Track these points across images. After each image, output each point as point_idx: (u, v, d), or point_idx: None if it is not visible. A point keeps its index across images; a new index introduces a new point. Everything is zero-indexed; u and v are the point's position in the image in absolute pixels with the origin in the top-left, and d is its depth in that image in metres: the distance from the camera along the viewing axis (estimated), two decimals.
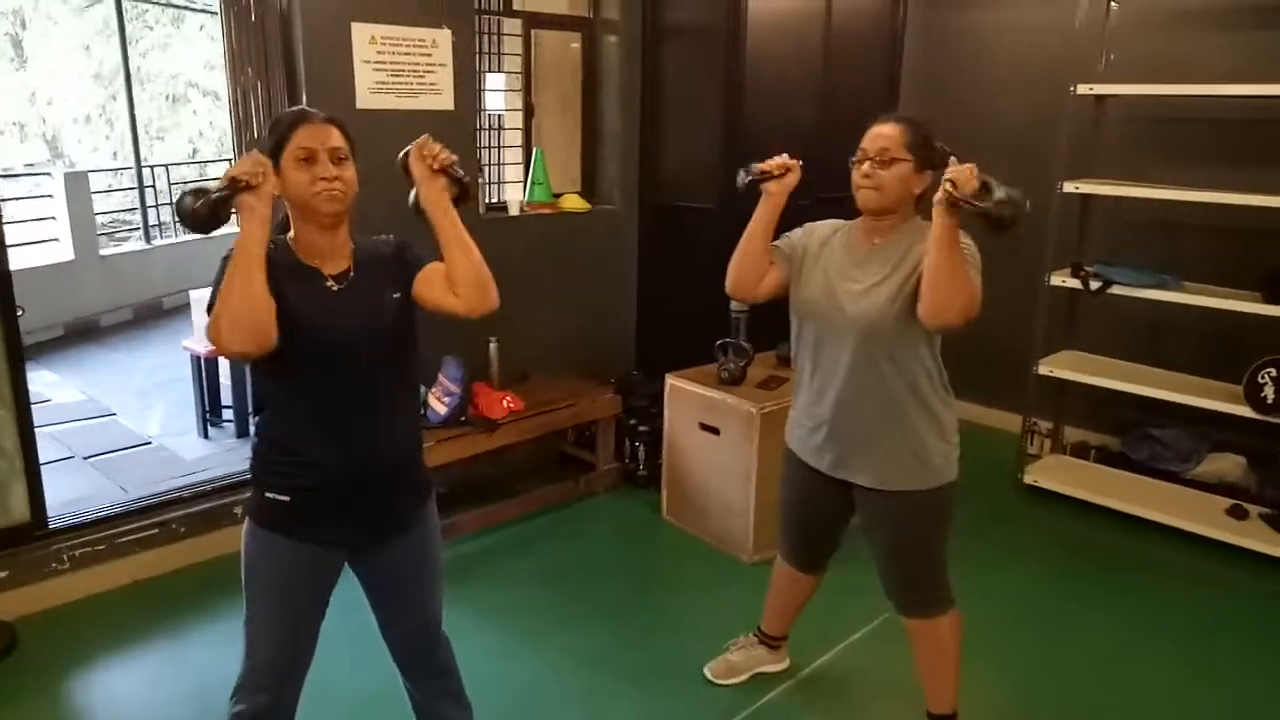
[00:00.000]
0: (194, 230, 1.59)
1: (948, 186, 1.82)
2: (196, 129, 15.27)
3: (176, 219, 1.62)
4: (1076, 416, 4.23)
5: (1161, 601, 3.12)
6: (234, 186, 1.56)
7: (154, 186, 8.41)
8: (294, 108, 1.76)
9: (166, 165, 9.26)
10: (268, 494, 1.75)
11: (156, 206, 8.49)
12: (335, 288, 1.73)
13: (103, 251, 7.22)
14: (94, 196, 7.55)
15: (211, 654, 2.73)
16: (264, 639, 1.80)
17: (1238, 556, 3.34)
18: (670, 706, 2.52)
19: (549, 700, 2.54)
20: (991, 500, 3.87)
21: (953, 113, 4.54)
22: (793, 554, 2.44)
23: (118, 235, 9.06)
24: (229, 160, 11.24)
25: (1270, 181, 3.31)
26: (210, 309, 1.61)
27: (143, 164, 8.21)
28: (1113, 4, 3.73)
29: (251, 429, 1.81)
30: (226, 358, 1.68)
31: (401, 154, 1.74)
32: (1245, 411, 3.30)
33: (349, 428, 1.73)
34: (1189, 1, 3.80)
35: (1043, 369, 3.81)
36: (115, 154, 13.98)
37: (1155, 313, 3.71)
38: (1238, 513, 3.51)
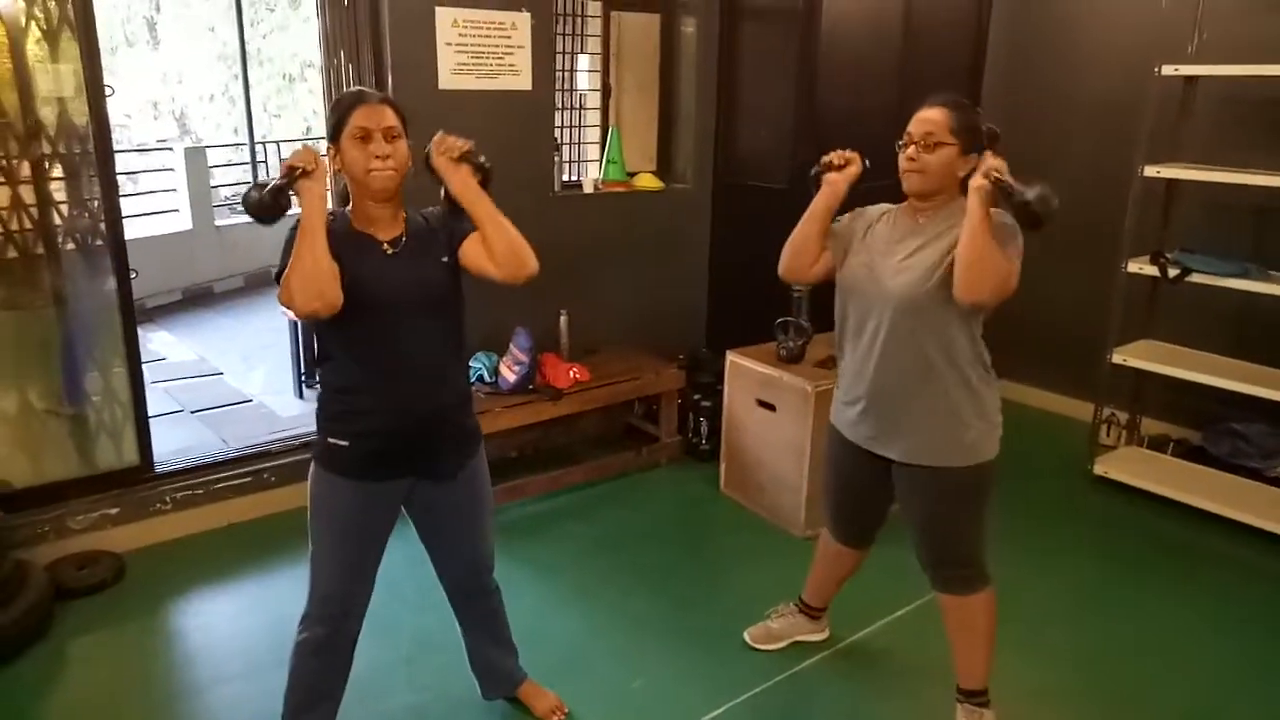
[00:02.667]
0: (259, 219, 1.76)
1: (994, 174, 1.88)
2: (311, 108, 15.98)
3: (244, 211, 1.80)
4: (1155, 408, 4.11)
5: (1228, 599, 3.04)
6: (291, 174, 1.74)
7: (266, 162, 8.88)
8: (354, 89, 1.93)
9: (279, 142, 9.74)
10: (330, 439, 1.93)
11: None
12: (390, 252, 1.90)
13: (219, 222, 7.70)
14: (213, 171, 8.07)
15: (292, 591, 2.95)
16: (326, 574, 2.00)
17: None
18: (708, 667, 2.62)
19: (591, 654, 2.68)
20: (1057, 489, 3.81)
21: (1037, 95, 4.44)
22: (836, 528, 2.50)
23: (235, 207, 9.63)
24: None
25: None
26: (279, 276, 1.80)
27: (257, 141, 8.68)
28: None
29: (316, 382, 2.00)
30: (299, 317, 1.86)
31: (423, 156, 1.90)
32: None
33: (401, 379, 1.90)
34: None
35: (1117, 358, 3.72)
36: (236, 130, 14.79)
37: (1241, 303, 3.58)
38: None
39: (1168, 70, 3.47)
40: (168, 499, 3.31)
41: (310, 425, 3.98)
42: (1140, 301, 3.84)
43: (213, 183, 7.92)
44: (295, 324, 4.76)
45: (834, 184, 2.21)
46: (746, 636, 2.71)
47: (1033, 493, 3.75)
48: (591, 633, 2.79)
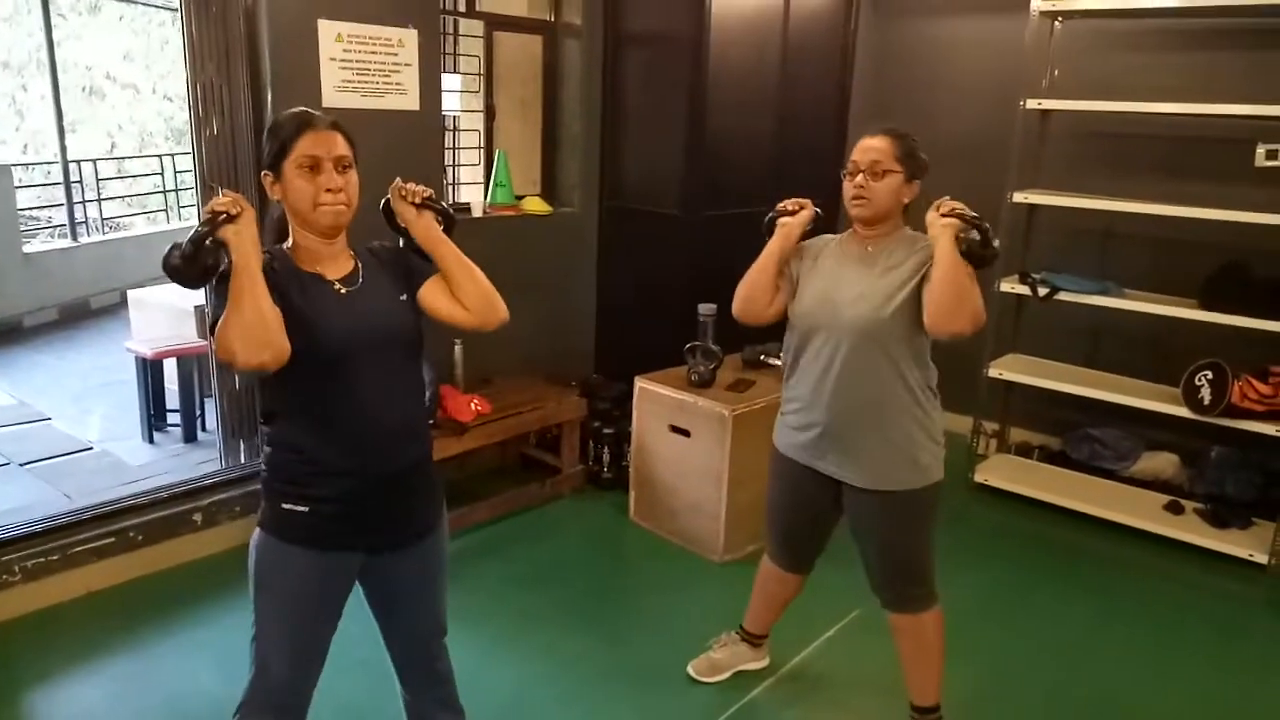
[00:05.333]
0: (186, 282, 1.57)
1: (960, 213, 1.97)
2: (115, 123, 14.69)
3: (168, 277, 1.58)
4: (1021, 417, 4.42)
5: (1110, 594, 3.28)
6: (214, 222, 1.54)
7: (80, 181, 8.06)
8: (295, 109, 1.73)
9: (95, 160, 8.87)
10: (284, 505, 1.71)
11: (84, 202, 8.15)
12: (343, 290, 1.72)
13: (26, 249, 6.90)
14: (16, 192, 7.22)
15: (179, 665, 2.66)
16: (276, 656, 1.77)
17: (1177, 549, 3.54)
18: (660, 705, 2.55)
19: (538, 702, 2.54)
20: (945, 499, 3.99)
21: (903, 124, 4.69)
22: (782, 555, 2.50)
23: (37, 232, 8.66)
24: (159, 156, 10.86)
25: (1205, 195, 3.53)
26: (213, 328, 1.58)
27: (68, 158, 7.86)
28: (1056, 24, 3.91)
29: (262, 441, 1.78)
30: (242, 372, 1.63)
31: (381, 204, 1.80)
32: (1183, 412, 3.50)
33: (368, 431, 1.71)
34: (1128, 24, 4.00)
35: (992, 372, 3.96)
36: (26, 147, 13.36)
37: (1097, 318, 3.90)
38: (1175, 508, 3.71)
39: (1031, 104, 3.75)
40: (15, 569, 2.87)
41: (171, 473, 3.64)
42: (1008, 319, 4.11)
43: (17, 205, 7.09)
44: (144, 361, 4.31)
45: (787, 228, 2.25)
46: (690, 669, 2.66)
47: None
48: (528, 680, 2.65)
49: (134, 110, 14.23)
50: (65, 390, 5.24)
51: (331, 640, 1.83)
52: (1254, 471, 3.73)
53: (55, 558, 2.95)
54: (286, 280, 1.65)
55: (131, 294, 4.94)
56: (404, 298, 1.78)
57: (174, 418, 4.43)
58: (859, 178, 2.12)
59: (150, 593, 3.03)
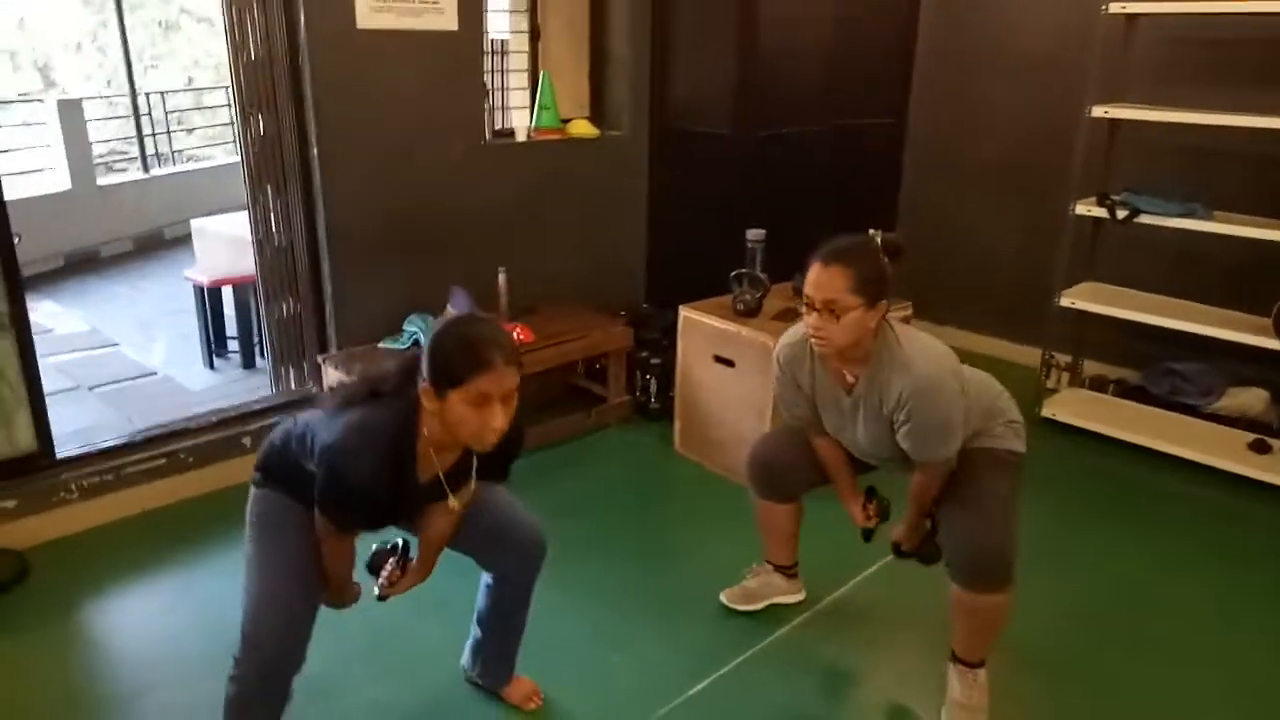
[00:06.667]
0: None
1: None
2: (191, 57, 14.92)
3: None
4: (1097, 350, 4.16)
5: (1181, 535, 3.09)
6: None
7: (150, 115, 8.21)
8: (468, 330, 1.61)
9: (163, 93, 9.01)
10: None
11: (154, 135, 8.31)
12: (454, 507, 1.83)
13: (100, 181, 7.08)
14: (90, 125, 7.39)
15: (222, 584, 2.70)
16: (268, 617, 1.74)
17: (1259, 490, 3.31)
18: (688, 635, 2.50)
19: (564, 631, 2.52)
20: None
21: (975, 35, 4.38)
22: (764, 488, 2.49)
23: (115, 165, 8.90)
24: (225, 89, 10.97)
25: None
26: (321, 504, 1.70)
27: (138, 92, 8.00)
28: None
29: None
30: None
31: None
32: (1272, 343, 3.23)
33: None
34: None
35: (1064, 301, 3.72)
36: (109, 82, 13.68)
37: (1183, 243, 3.61)
38: (1260, 447, 3.46)
39: (1114, 7, 3.43)
40: (73, 487, 2.97)
41: (227, 398, 3.71)
42: (1083, 244, 3.84)
43: (90, 138, 7.25)
44: (202, 290, 4.38)
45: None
46: (724, 598, 2.61)
47: None
48: (562, 608, 2.62)
49: (209, 44, 14.41)
50: (135, 318, 5.40)
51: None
52: None
53: (110, 478, 3.04)
54: (398, 496, 1.70)
55: (194, 223, 5.01)
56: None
57: (234, 344, 4.52)
58: (813, 317, 1.96)
59: (201, 512, 3.10)
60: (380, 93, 3.32)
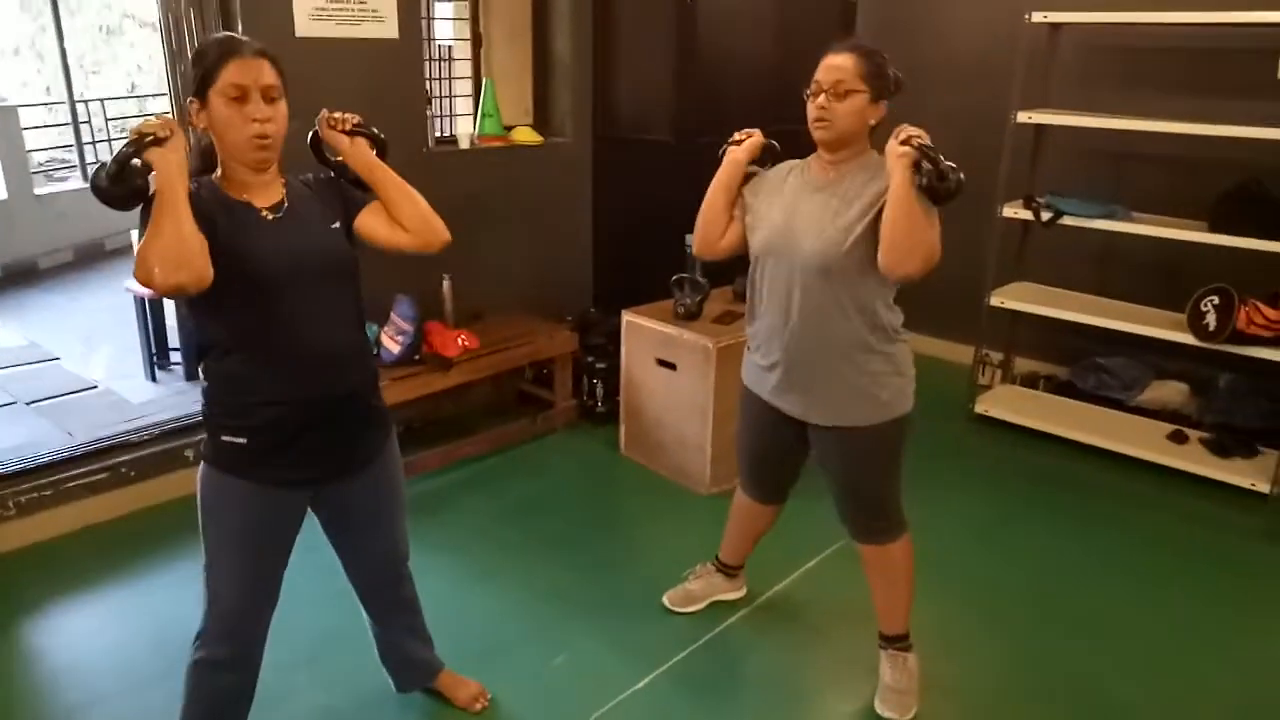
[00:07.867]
0: (112, 203, 1.53)
1: (918, 143, 1.85)
2: (134, 63, 14.62)
3: (95, 198, 1.56)
4: (1026, 347, 4.31)
5: (1106, 523, 3.22)
6: (140, 142, 1.50)
7: (89, 123, 8.06)
8: (220, 35, 1.68)
9: (102, 100, 8.85)
10: (224, 437, 1.71)
11: (94, 143, 8.16)
12: (271, 218, 1.68)
13: (39, 190, 6.94)
14: (26, 133, 7.24)
15: (169, 597, 2.71)
16: (226, 587, 1.78)
17: (1180, 480, 3.46)
18: (631, 636, 2.56)
19: (508, 634, 2.56)
20: (944, 430, 3.94)
21: (908, 42, 4.50)
22: (751, 486, 2.47)
23: (55, 174, 8.71)
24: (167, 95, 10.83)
25: (1220, 111, 3.35)
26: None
27: (76, 99, 7.85)
28: None
29: (200, 374, 1.76)
30: (162, 294, 1.61)
31: (309, 136, 1.78)
32: (1187, 339, 3.38)
33: (300, 361, 1.70)
34: None
35: (994, 300, 3.85)
36: (48, 89, 13.36)
37: (1105, 243, 3.76)
38: (1178, 438, 3.62)
39: (1037, 17, 3.56)
40: (10, 504, 2.94)
41: (170, 410, 3.68)
42: (1012, 245, 3.98)
43: (28, 146, 7.11)
44: (144, 301, 4.34)
45: (731, 155, 2.20)
46: (666, 600, 2.67)
47: (922, 436, 3.80)
48: (506, 612, 2.67)
49: (153, 49, 14.15)
50: (74, 330, 5.31)
51: (283, 571, 1.85)
52: (1263, 399, 3.61)
53: (49, 493, 3.01)
54: (213, 207, 1.61)
55: (134, 234, 4.93)
56: (336, 225, 1.75)
57: (176, 356, 4.47)
58: (821, 98, 2.02)
59: (144, 527, 3.08)
60: (319, 101, 3.30)
